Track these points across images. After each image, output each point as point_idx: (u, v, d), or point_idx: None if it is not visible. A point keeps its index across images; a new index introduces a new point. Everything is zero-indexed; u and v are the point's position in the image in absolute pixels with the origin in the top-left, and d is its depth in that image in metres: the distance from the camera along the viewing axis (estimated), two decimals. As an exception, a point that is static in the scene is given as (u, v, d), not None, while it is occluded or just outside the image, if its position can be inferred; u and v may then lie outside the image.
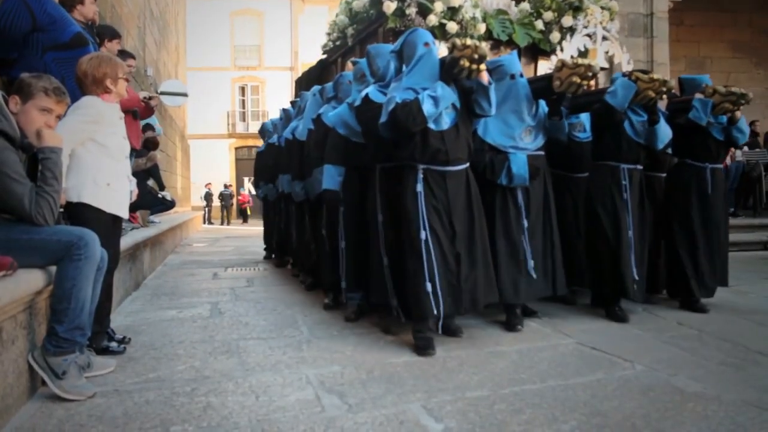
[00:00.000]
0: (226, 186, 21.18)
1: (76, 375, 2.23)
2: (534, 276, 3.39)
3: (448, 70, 2.99)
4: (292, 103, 6.02)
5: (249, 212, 21.08)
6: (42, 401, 2.18)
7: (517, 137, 3.43)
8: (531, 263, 3.40)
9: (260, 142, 7.48)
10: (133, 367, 2.63)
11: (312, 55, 14.36)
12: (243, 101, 24.70)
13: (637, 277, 3.62)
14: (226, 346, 3.00)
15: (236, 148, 24.45)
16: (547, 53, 5.90)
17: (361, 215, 3.56)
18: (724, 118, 3.92)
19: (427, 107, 2.87)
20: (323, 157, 3.77)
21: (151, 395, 2.27)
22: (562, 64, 3.35)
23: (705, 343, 3.04)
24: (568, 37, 5.91)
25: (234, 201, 21.50)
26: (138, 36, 8.88)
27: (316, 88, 4.84)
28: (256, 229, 13.87)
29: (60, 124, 2.45)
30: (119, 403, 2.18)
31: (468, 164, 3.14)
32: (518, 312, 3.45)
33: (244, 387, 2.37)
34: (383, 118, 2.98)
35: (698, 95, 3.89)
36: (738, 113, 3.91)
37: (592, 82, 3.64)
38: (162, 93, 5.83)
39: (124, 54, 4.49)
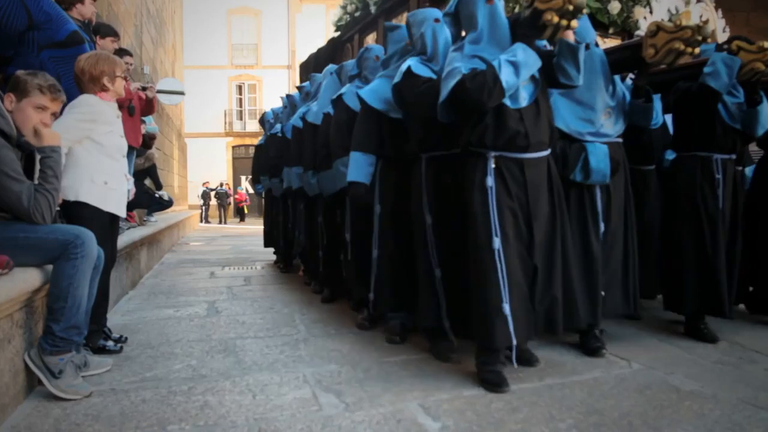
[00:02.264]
0: (221, 184, 21.16)
1: (72, 374, 2.22)
2: (602, 293, 2.77)
3: (531, 27, 2.35)
4: (298, 88, 5.39)
5: (246, 211, 21.07)
6: (38, 400, 2.17)
7: (596, 121, 2.80)
8: (602, 278, 2.80)
9: (257, 141, 7.28)
10: (130, 366, 2.62)
11: (310, 54, 14.43)
12: (240, 100, 24.64)
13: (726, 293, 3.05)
14: (223, 345, 3.00)
15: (233, 147, 24.40)
16: (605, 27, 4.73)
17: (399, 217, 3.02)
18: None
19: (507, 76, 2.27)
20: (346, 145, 3.25)
21: (148, 394, 2.26)
22: (658, 28, 2.64)
23: (701, 341, 3.05)
24: (633, 7, 4.65)
25: (231, 200, 21.48)
26: (135, 34, 8.86)
27: (332, 67, 4.29)
28: (253, 228, 13.86)
29: (57, 123, 2.44)
30: (116, 402, 2.18)
31: (550, 150, 2.55)
32: (597, 333, 2.83)
33: (241, 386, 2.37)
34: (443, 95, 2.40)
35: None
36: None
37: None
38: (159, 91, 5.80)
39: (121, 52, 4.49)
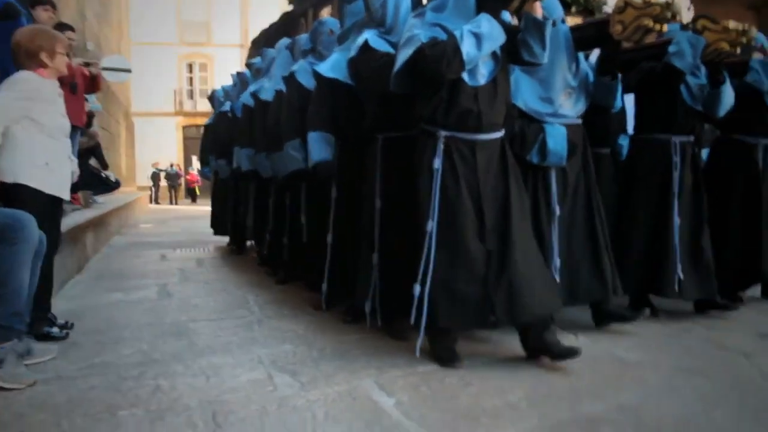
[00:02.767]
0: (172, 165, 20.60)
1: (14, 362, 2.14)
2: (557, 279, 2.68)
3: None
4: (248, 65, 5.22)
5: (198, 192, 20.61)
6: (-22, 391, 2.09)
7: (556, 101, 2.70)
8: (557, 262, 2.72)
9: (207, 121, 7.07)
10: (77, 352, 2.55)
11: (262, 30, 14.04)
12: (190, 78, 23.94)
13: (681, 275, 3.02)
14: (175, 328, 2.94)
15: (184, 127, 23.75)
16: (568, 6, 4.58)
17: (356, 201, 2.91)
18: None
19: (468, 47, 2.15)
20: (297, 128, 3.16)
21: (96, 380, 2.21)
22: (626, 4, 2.56)
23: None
24: None
25: (182, 181, 20.96)
26: (77, 8, 8.44)
27: (285, 41, 4.16)
28: (205, 209, 13.58)
29: (-9, 101, 2.31)
30: (62, 389, 2.11)
31: (503, 132, 2.45)
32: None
33: (194, 369, 2.34)
34: (400, 63, 2.28)
35: (757, 55, 3.30)
36: None
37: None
38: (104, 69, 5.56)
39: (62, 27, 4.27)
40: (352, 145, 2.97)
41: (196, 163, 22.13)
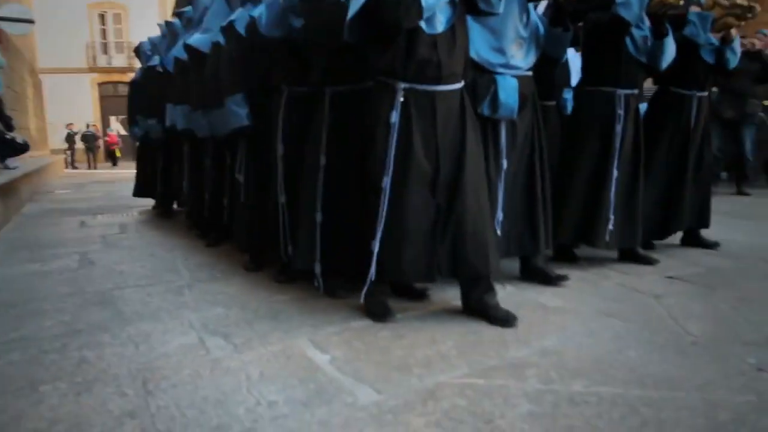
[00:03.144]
0: (88, 126, 19.40)
1: None
2: (498, 232, 2.71)
3: None
4: (178, 14, 4.82)
5: (119, 154, 19.59)
6: None
7: (507, 52, 2.64)
8: (500, 216, 2.74)
9: (127, 78, 6.65)
10: (-8, 326, 2.41)
11: (179, -20, 13.18)
12: (103, 31, 22.36)
13: (611, 226, 3.16)
14: (99, 297, 2.83)
15: (99, 84, 22.31)
16: None
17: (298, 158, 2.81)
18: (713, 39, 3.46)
19: None
20: (240, 80, 3.08)
21: (16, 356, 2.10)
22: None
23: (566, 262, 3.36)
24: None
25: (100, 143, 19.82)
26: (-36, -49, 7.61)
27: None
28: (127, 172, 12.97)
29: None
30: (-23, 366, 2.00)
31: (463, 83, 2.39)
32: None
33: (121, 337, 2.27)
34: (354, 10, 2.17)
35: (694, 8, 3.40)
36: (734, 31, 3.44)
37: None
38: (2, 19, 5.07)
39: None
40: (301, 98, 2.84)
41: (115, 124, 21.02)
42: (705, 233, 3.81)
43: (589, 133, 3.22)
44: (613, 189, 3.17)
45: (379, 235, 2.29)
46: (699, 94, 3.57)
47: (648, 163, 3.43)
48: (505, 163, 2.74)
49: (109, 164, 19.35)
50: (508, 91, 2.60)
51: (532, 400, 1.68)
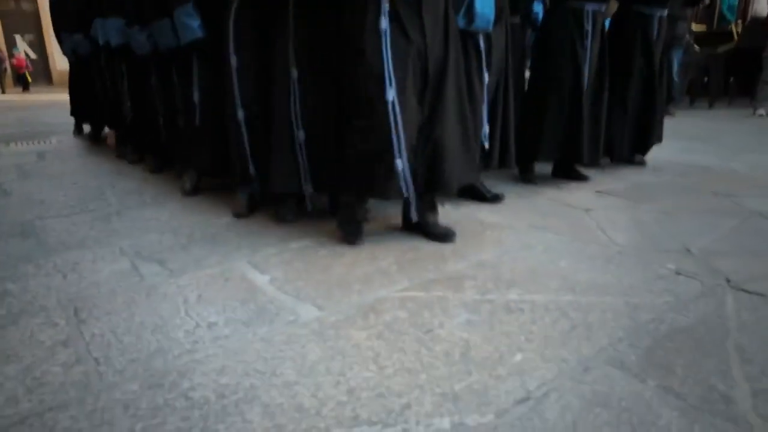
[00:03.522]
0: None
1: None
2: (486, 146, 2.82)
3: None
4: None
5: (30, 79, 18.06)
6: None
7: None
8: (486, 129, 2.81)
9: None
10: None
11: None
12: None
13: (587, 141, 3.27)
14: (18, 228, 2.66)
15: (-1, 0, 20.13)
16: None
17: (264, 69, 2.60)
18: None
19: None
20: None
21: (-72, 289, 1.97)
22: None
23: (504, 179, 3.43)
24: None
25: (7, 66, 18.15)
26: None
27: None
28: (41, 98, 12.05)
29: None
30: None
31: None
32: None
33: (47, 268, 2.15)
34: None
35: None
36: None
37: None
38: None
39: None
40: (255, 2, 2.59)
41: (21, 44, 19.20)
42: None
43: (560, 50, 3.22)
44: (586, 105, 3.24)
45: (404, 152, 2.16)
46: (660, 12, 3.61)
47: (621, 81, 3.57)
48: (486, 77, 2.74)
49: (20, 89, 17.84)
50: (485, 1, 2.48)
51: (470, 310, 1.74)
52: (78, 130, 5.72)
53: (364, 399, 1.30)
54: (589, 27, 3.18)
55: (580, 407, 1.25)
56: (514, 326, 1.64)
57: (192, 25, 2.86)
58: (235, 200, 2.82)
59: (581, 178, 3.46)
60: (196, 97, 3.02)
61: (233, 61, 2.62)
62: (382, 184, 2.20)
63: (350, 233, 2.36)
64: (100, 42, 4.16)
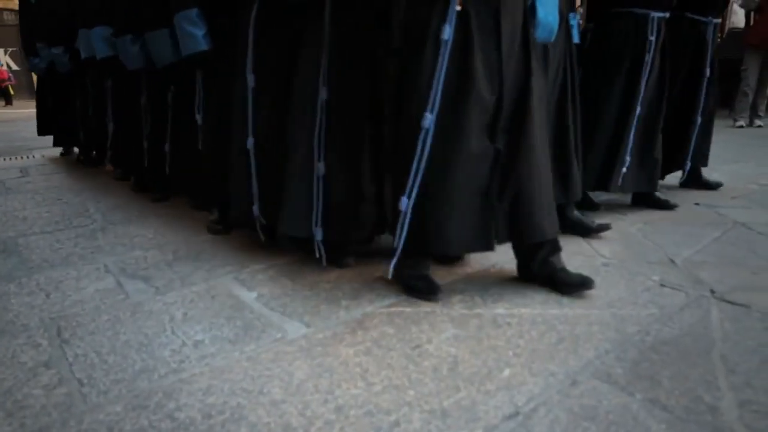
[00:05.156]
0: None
1: None
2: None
3: None
4: None
5: (12, 92, 17.89)
6: None
7: None
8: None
9: (12, 3, 5.78)
10: None
11: None
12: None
13: (626, 168, 2.84)
14: (0, 246, 2.63)
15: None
16: None
17: (285, 89, 2.19)
18: None
19: None
20: None
21: None
22: None
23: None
24: None
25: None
26: None
27: None
28: (25, 112, 11.95)
29: None
30: None
31: None
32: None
33: (30, 286, 2.12)
34: None
35: None
36: None
37: None
38: None
39: None
40: (279, 12, 2.19)
41: (4, 57, 19.05)
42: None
43: (616, 64, 2.81)
44: (633, 128, 2.83)
45: (414, 190, 1.80)
46: (714, 21, 3.21)
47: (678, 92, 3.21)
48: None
49: (2, 103, 17.67)
50: (548, 7, 1.91)
51: (458, 325, 1.74)
52: (66, 150, 5.47)
53: (353, 417, 1.29)
54: (653, 38, 2.74)
55: (568, 422, 1.26)
56: (502, 340, 1.64)
57: (196, 34, 2.45)
58: (211, 217, 2.74)
59: (666, 206, 3.08)
60: (200, 119, 2.68)
61: (250, 80, 2.25)
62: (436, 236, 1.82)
63: (419, 290, 1.93)
64: (83, 55, 3.84)
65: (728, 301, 1.88)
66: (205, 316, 1.82)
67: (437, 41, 1.71)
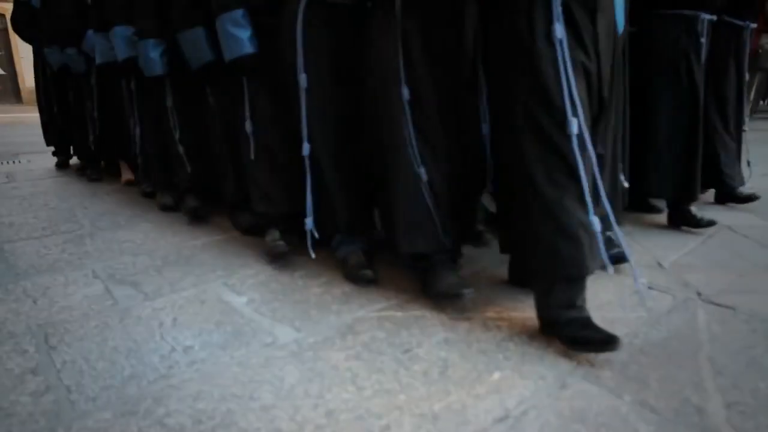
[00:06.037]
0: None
1: None
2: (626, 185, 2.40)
3: None
4: None
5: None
6: None
7: None
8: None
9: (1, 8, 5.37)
10: None
11: None
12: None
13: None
14: (-13, 252, 2.60)
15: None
16: None
17: (343, 90, 2.11)
18: None
19: None
20: None
21: None
22: None
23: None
24: None
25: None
26: None
27: None
28: (9, 116, 11.84)
29: None
30: None
31: None
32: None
33: (16, 293, 2.10)
34: None
35: None
36: None
37: None
38: None
39: None
40: (333, 5, 2.05)
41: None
42: None
43: (670, 70, 2.65)
44: (700, 132, 2.71)
45: (589, 202, 1.58)
46: (752, 26, 3.01)
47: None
48: None
49: (-11, 108, 17.48)
50: (617, 7, 1.77)
51: (448, 328, 1.74)
52: (63, 163, 5.09)
53: (343, 422, 1.29)
54: (704, 40, 2.60)
55: (558, 424, 1.26)
56: (492, 344, 1.65)
57: (241, 36, 2.23)
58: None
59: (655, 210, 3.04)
60: (248, 127, 2.38)
61: (302, 80, 2.06)
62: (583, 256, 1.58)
63: (604, 340, 1.56)
64: (98, 60, 3.50)
65: (715, 304, 1.91)
66: (194, 322, 1.81)
67: (550, 40, 1.55)
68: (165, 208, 3.26)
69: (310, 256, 2.16)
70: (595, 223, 1.57)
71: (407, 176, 1.90)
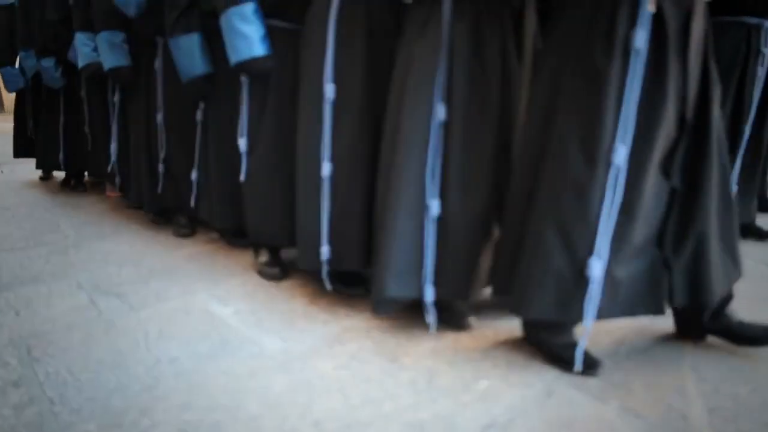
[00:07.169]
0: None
1: None
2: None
3: None
4: None
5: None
6: None
7: None
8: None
9: None
10: None
11: None
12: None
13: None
14: (-32, 263, 2.57)
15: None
16: None
17: (374, 101, 1.82)
18: None
19: None
20: None
21: None
22: None
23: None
24: None
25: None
26: None
27: None
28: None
29: None
30: None
31: None
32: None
33: (-2, 304, 2.08)
34: None
35: None
36: None
37: None
38: None
39: None
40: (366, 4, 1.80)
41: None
42: None
43: (724, 80, 2.45)
44: (742, 152, 2.52)
45: (604, 249, 1.41)
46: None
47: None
48: None
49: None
50: None
51: (435, 337, 1.75)
52: (47, 175, 4.92)
53: (331, 431, 1.29)
54: (766, 48, 2.42)
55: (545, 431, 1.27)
56: (479, 352, 1.66)
57: (251, 35, 1.95)
58: (260, 260, 2.29)
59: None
60: (242, 144, 2.15)
61: (329, 91, 1.83)
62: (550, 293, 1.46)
63: (565, 360, 1.54)
64: (82, 63, 3.16)
65: (697, 311, 1.93)
66: (180, 333, 1.80)
67: (625, 49, 1.33)
68: (180, 235, 2.95)
69: (297, 266, 2.11)
70: (596, 269, 1.40)
71: (416, 209, 1.63)
